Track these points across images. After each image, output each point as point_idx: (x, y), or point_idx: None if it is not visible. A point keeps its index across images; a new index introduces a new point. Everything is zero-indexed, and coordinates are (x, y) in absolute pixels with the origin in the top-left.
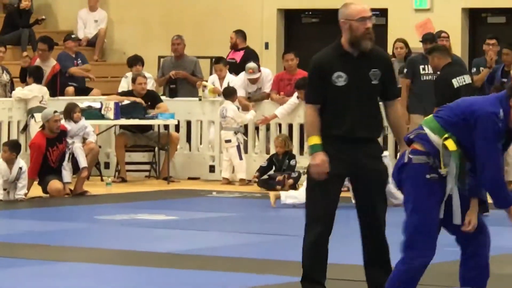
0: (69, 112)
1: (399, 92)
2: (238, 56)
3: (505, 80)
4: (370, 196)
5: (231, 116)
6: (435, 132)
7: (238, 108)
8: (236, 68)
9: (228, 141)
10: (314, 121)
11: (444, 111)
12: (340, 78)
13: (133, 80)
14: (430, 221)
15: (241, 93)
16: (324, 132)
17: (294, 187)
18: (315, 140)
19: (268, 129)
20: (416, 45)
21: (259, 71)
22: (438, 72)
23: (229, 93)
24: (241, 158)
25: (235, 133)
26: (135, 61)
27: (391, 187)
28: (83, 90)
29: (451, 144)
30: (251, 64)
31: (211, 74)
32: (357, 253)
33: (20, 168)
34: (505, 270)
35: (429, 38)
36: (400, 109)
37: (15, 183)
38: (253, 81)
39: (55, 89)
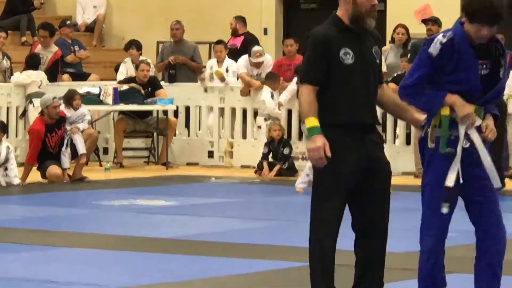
0: (69, 99)
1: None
2: (238, 41)
3: None
4: (382, 195)
5: (263, 99)
6: None
7: (272, 96)
8: (236, 54)
9: (258, 127)
10: (312, 101)
11: None
12: (348, 55)
13: (136, 67)
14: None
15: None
16: (329, 118)
17: (280, 174)
18: (313, 121)
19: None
20: (416, 30)
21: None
22: None
23: (269, 77)
24: None
25: (265, 119)
26: (129, 45)
27: None
28: (81, 76)
29: (444, 109)
30: (258, 48)
31: (209, 59)
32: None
33: (8, 147)
34: (508, 256)
35: (433, 19)
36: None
37: (5, 166)
38: (258, 65)
39: (56, 75)
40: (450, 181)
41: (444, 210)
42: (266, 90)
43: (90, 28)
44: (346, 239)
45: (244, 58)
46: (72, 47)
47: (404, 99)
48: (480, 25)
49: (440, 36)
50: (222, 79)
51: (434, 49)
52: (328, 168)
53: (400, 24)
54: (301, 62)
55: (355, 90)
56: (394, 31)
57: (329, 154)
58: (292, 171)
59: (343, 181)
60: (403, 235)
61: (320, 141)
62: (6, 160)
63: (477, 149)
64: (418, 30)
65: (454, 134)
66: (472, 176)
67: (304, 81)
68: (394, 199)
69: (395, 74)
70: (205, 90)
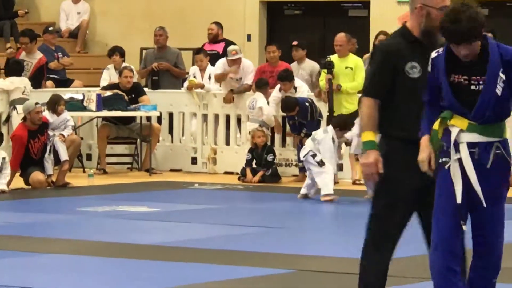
0: (54, 104)
1: None
2: (219, 47)
3: None
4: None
5: (260, 106)
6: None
7: (268, 103)
8: (218, 59)
9: (249, 133)
10: (371, 115)
11: None
12: (414, 69)
13: (120, 73)
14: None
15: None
16: (391, 132)
17: (263, 181)
18: (370, 136)
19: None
20: None
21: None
22: None
23: (261, 85)
24: None
25: (260, 126)
26: (112, 52)
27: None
28: (64, 82)
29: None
30: (234, 46)
31: (193, 65)
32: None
33: (3, 158)
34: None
35: None
36: None
37: None
38: (235, 62)
39: (40, 81)
40: (458, 198)
41: (464, 228)
42: (261, 98)
43: (73, 35)
44: (337, 246)
45: (221, 61)
46: (55, 54)
47: None
48: (451, 44)
49: (433, 52)
50: (199, 86)
51: (429, 65)
52: (388, 183)
53: (382, 31)
54: (367, 73)
55: (419, 105)
56: (375, 38)
57: (381, 170)
58: (276, 177)
59: (402, 196)
60: None
61: (373, 157)
62: (1, 169)
63: (464, 164)
64: None
65: (446, 145)
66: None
67: (366, 94)
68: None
69: None
70: (193, 96)
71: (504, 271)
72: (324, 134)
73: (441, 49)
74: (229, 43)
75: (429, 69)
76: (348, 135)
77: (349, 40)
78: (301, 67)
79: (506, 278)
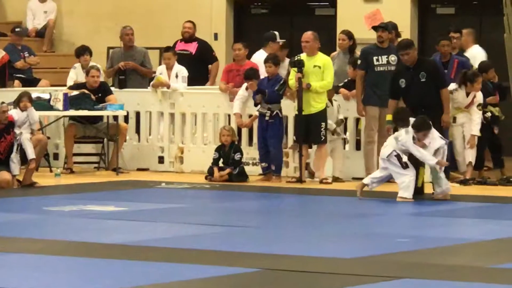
0: (18, 101)
1: None
2: (191, 47)
3: (445, 70)
4: None
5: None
6: None
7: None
8: (192, 61)
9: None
10: None
11: None
12: None
13: (87, 73)
14: None
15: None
16: None
17: (230, 179)
18: None
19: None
20: (366, 36)
21: None
22: None
23: (250, 76)
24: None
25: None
26: (82, 51)
27: None
28: (31, 81)
29: None
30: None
31: (160, 64)
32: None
33: None
34: (458, 261)
35: (383, 26)
36: None
37: None
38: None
39: (4, 80)
40: None
41: None
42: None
43: (40, 34)
44: (304, 245)
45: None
46: (21, 53)
47: None
48: None
49: None
50: (164, 85)
51: None
52: None
53: (343, 30)
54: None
55: None
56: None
57: None
58: (243, 176)
59: None
60: (351, 241)
61: None
62: None
63: None
64: (369, 35)
65: None
66: None
67: None
68: (343, 205)
69: (346, 80)
70: (156, 92)
71: (459, 269)
72: (407, 136)
73: None
74: (201, 42)
75: None
76: (426, 141)
77: (316, 39)
78: (282, 66)
79: (473, 276)
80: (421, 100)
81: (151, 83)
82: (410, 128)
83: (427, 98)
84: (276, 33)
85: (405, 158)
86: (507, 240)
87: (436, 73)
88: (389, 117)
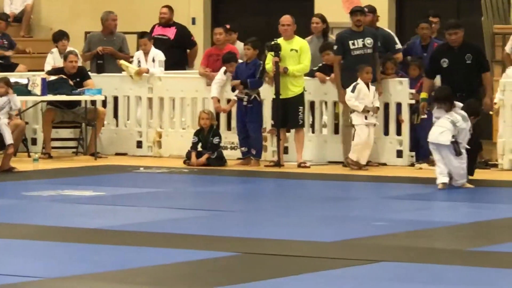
0: None
1: None
2: (169, 32)
3: (425, 54)
4: None
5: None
6: None
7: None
8: (170, 45)
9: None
10: None
11: None
12: None
13: (65, 58)
14: None
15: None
16: None
17: (208, 164)
18: None
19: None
20: (343, 20)
21: None
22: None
23: (229, 59)
24: None
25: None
26: (60, 36)
27: None
28: (8, 67)
29: None
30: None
31: (137, 50)
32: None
33: None
34: (435, 244)
35: (359, 10)
36: None
37: None
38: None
39: None
40: None
41: None
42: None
43: (18, 19)
44: (283, 229)
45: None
46: (0, 40)
47: None
48: None
49: None
50: (143, 72)
51: None
52: None
53: (316, 14)
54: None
55: None
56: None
57: None
58: (221, 161)
59: None
60: (329, 224)
61: None
62: None
63: None
64: (346, 19)
65: None
66: None
67: None
68: (321, 188)
69: (320, 64)
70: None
71: (436, 252)
72: (465, 124)
73: None
74: (180, 27)
75: None
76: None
77: (294, 22)
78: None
79: (450, 259)
80: (463, 82)
81: (133, 75)
82: (466, 115)
83: (469, 81)
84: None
85: (463, 146)
86: (484, 223)
87: (482, 56)
88: (424, 95)
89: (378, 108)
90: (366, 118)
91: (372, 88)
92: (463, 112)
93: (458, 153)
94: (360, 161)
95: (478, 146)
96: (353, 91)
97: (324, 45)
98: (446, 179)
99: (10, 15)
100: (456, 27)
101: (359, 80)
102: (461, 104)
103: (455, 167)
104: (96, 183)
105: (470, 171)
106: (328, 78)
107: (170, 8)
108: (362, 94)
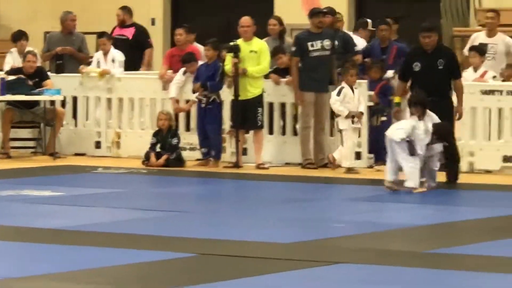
0: None
1: None
2: (128, 32)
3: (384, 56)
4: None
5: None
6: None
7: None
8: (129, 46)
9: None
10: None
11: None
12: None
13: (24, 58)
14: None
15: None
16: None
17: (167, 165)
18: None
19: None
20: (303, 21)
21: None
22: None
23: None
24: None
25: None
26: (19, 36)
27: None
28: None
29: None
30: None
31: (97, 50)
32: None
33: None
34: (393, 246)
35: (321, 12)
36: None
37: None
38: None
39: None
40: None
41: None
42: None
43: None
44: (241, 230)
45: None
46: None
47: None
48: None
49: None
50: (106, 73)
51: None
52: None
53: (274, 16)
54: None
55: None
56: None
57: None
58: (180, 162)
59: None
60: (287, 226)
61: None
62: None
63: None
64: (305, 21)
65: None
66: None
67: None
68: (280, 190)
69: (275, 66)
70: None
71: (394, 254)
72: (425, 136)
73: None
74: (138, 27)
75: None
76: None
77: (253, 23)
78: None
79: (407, 261)
80: (434, 87)
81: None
82: (430, 129)
83: (441, 86)
84: (369, 20)
85: (420, 149)
86: (441, 225)
87: (455, 62)
88: (397, 99)
89: (362, 113)
90: (352, 122)
91: (357, 91)
92: (429, 126)
93: (411, 153)
94: (341, 164)
95: (456, 155)
96: (338, 94)
97: (276, 48)
98: (391, 177)
99: None
100: (429, 30)
101: (344, 84)
102: (435, 119)
103: (406, 166)
104: (55, 183)
105: (454, 176)
106: (283, 80)
107: (125, 9)
108: (347, 98)
